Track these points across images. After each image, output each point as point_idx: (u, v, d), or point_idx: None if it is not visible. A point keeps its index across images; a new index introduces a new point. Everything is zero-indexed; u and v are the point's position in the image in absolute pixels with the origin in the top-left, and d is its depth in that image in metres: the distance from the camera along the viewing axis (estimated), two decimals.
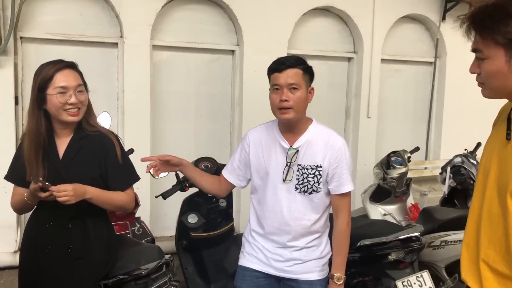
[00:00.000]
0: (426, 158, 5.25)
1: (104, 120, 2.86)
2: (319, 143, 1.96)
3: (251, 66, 4.28)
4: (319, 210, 2.00)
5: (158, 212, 4.22)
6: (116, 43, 3.98)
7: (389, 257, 2.42)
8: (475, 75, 1.35)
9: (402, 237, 2.40)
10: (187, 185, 2.76)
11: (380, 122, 4.96)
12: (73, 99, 1.85)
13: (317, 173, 1.95)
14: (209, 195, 2.86)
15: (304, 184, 1.96)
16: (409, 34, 5.13)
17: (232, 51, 4.39)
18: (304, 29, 4.58)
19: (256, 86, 4.29)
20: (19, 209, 1.98)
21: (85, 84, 1.96)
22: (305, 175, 1.95)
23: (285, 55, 4.37)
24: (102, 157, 1.94)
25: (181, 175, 2.82)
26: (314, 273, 2.00)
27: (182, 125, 4.34)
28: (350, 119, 4.95)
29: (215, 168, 2.87)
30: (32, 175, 1.81)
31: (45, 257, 1.91)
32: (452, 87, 5.26)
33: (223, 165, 2.95)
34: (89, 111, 1.97)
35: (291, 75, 1.89)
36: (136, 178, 2.06)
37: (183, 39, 4.20)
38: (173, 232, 4.31)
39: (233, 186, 2.16)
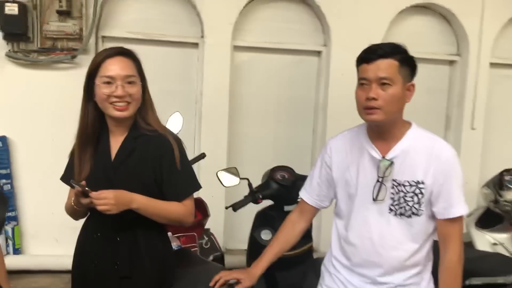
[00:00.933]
0: None
1: (175, 121, 2.65)
2: (421, 153, 1.55)
3: (338, 68, 3.90)
4: (420, 238, 1.58)
5: (233, 223, 3.96)
6: (197, 43, 3.81)
7: None
8: None
9: None
10: (260, 196, 2.45)
11: (486, 134, 4.31)
12: (119, 91, 1.60)
13: (417, 191, 1.54)
14: (285, 209, 2.54)
15: (401, 205, 1.56)
16: None
17: (318, 52, 4.04)
18: (400, 29, 4.11)
19: (343, 91, 3.89)
20: (71, 213, 1.78)
21: (141, 76, 1.70)
22: (402, 194, 1.55)
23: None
24: (157, 161, 1.67)
25: (254, 184, 2.55)
26: None
27: (261, 131, 4.06)
28: (451, 130, 4.35)
29: (293, 179, 2.53)
30: (77, 176, 1.60)
31: (92, 273, 1.69)
32: None
33: (302, 176, 2.63)
34: (145, 107, 1.71)
35: (383, 67, 1.50)
36: (196, 187, 1.76)
37: (266, 39, 3.94)
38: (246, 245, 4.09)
39: (317, 211, 1.81)
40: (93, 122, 1.68)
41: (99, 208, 1.51)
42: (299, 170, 2.69)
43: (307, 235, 2.70)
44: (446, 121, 4.39)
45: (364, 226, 1.61)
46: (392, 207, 1.57)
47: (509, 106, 4.53)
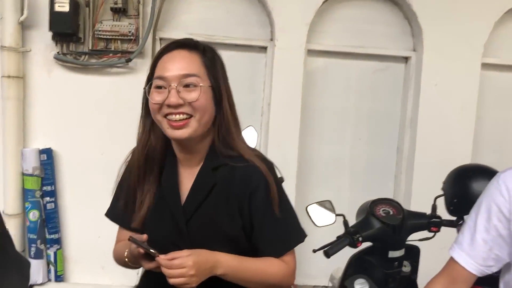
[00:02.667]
0: None
1: (248, 138, 2.14)
2: None
3: (431, 77, 3.29)
4: None
5: (301, 256, 3.38)
6: (265, 47, 3.32)
7: None
8: None
9: None
10: (360, 238, 1.89)
11: None
12: (172, 98, 1.12)
13: None
14: (389, 255, 1.97)
15: None
16: None
17: (406, 58, 3.45)
18: (507, 31, 3.45)
19: (437, 103, 3.31)
20: (121, 265, 1.30)
21: (213, 76, 1.19)
22: None
23: (479, 63, 3.32)
24: (246, 201, 1.17)
25: (350, 222, 2.00)
26: None
27: (336, 148, 3.50)
28: None
29: (400, 217, 1.95)
30: (131, 224, 1.11)
31: None
32: None
33: (412, 213, 2.05)
34: (225, 124, 1.21)
35: None
36: (301, 237, 1.25)
37: (345, 43, 3.39)
38: (317, 281, 3.52)
39: (474, 279, 1.23)
40: (155, 148, 1.21)
41: (172, 281, 1.04)
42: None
43: (412, 287, 2.14)
44: None
45: None
46: None
47: None
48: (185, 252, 1.06)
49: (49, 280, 3.17)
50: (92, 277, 3.23)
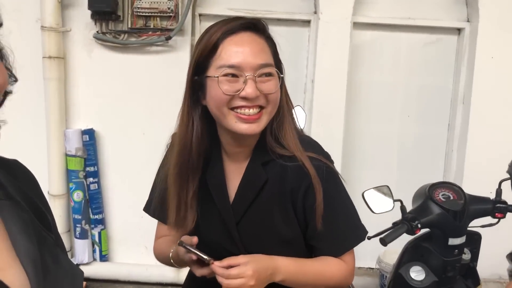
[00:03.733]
0: None
1: (296, 118, 2.04)
2: None
3: (487, 49, 3.07)
4: None
5: None
6: (309, 21, 3.18)
7: None
8: None
9: None
10: (419, 225, 1.77)
11: None
12: (249, 89, 1.02)
13: None
14: (449, 242, 1.85)
15: None
16: None
17: (459, 30, 3.23)
18: None
19: (493, 78, 3.09)
20: (164, 263, 1.24)
21: (278, 66, 1.10)
22: None
23: None
24: (300, 199, 1.08)
25: (408, 208, 1.89)
26: None
27: (383, 127, 3.35)
28: None
29: (461, 202, 1.82)
30: (177, 226, 1.03)
31: None
32: None
33: (475, 198, 1.91)
34: (282, 119, 1.12)
35: None
36: (361, 235, 1.17)
37: (393, 14, 3.19)
38: (364, 263, 3.43)
39: None
40: (200, 140, 1.09)
41: None
42: (430, 177, 2.01)
43: (472, 275, 2.02)
44: None
45: None
46: None
47: None
48: (242, 259, 0.99)
49: (94, 259, 3.21)
50: (136, 256, 3.25)
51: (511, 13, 3.05)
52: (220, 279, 0.98)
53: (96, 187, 3.12)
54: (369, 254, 3.10)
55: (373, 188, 1.74)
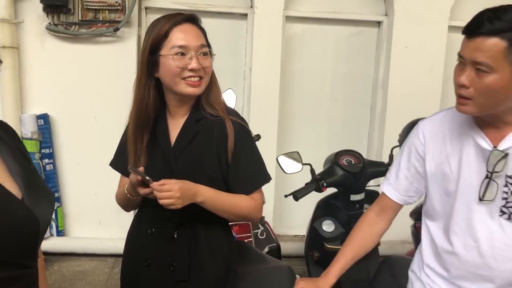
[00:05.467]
0: None
1: (228, 99, 2.39)
2: None
3: (402, 40, 3.51)
4: None
5: (282, 209, 3.71)
6: (245, 14, 3.51)
7: None
8: None
9: None
10: (324, 184, 2.18)
11: None
12: (194, 64, 1.37)
13: None
14: (351, 198, 2.26)
15: None
16: None
17: (379, 23, 3.66)
18: None
19: (407, 65, 3.54)
20: (123, 204, 1.57)
21: (209, 46, 1.46)
22: None
23: (446, 27, 3.53)
24: (223, 149, 1.43)
25: (317, 171, 2.28)
26: None
27: (314, 110, 3.75)
28: None
29: (360, 165, 2.23)
30: (132, 163, 1.37)
31: (143, 274, 1.47)
32: None
33: (371, 162, 2.33)
34: (211, 86, 1.48)
35: (484, 47, 1.16)
36: (267, 178, 1.52)
37: (321, 9, 3.58)
38: (297, 231, 3.83)
39: (400, 208, 1.51)
40: (154, 103, 1.45)
41: (162, 202, 1.29)
42: None
43: None
44: None
45: (468, 232, 1.32)
46: (505, 209, 1.28)
47: None
48: (173, 180, 1.32)
49: (52, 235, 3.44)
50: (91, 231, 3.52)
51: (422, 7, 3.49)
52: (155, 193, 1.30)
53: (52, 168, 3.36)
54: (304, 224, 3.49)
55: (284, 154, 2.13)
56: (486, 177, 1.27)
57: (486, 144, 1.28)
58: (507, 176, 1.26)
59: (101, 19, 3.22)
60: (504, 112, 1.25)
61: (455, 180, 1.33)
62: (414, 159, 1.42)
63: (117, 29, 3.19)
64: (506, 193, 1.26)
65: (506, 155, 1.25)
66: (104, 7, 3.20)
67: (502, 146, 1.26)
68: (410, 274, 1.52)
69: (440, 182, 1.37)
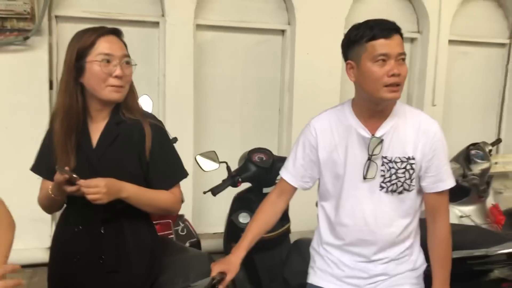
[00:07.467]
0: (497, 152, 4.67)
1: (144, 105, 2.51)
2: (409, 128, 1.58)
3: (303, 47, 3.86)
4: (410, 213, 1.62)
5: (201, 207, 3.88)
6: (157, 22, 3.64)
7: (491, 274, 1.97)
8: None
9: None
10: (239, 179, 2.39)
11: (446, 111, 4.43)
12: (118, 71, 1.50)
13: (408, 167, 1.56)
14: (263, 191, 2.50)
15: (392, 182, 1.57)
16: (480, 12, 4.55)
17: (282, 31, 3.98)
18: (363, 6, 4.10)
19: (309, 70, 3.88)
20: (46, 206, 1.65)
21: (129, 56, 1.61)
22: (393, 170, 1.57)
23: (342, 35, 3.89)
24: (142, 149, 1.58)
25: (233, 168, 2.49)
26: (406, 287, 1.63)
27: (227, 113, 3.98)
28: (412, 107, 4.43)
29: (270, 160, 2.48)
30: (63, 164, 1.47)
31: (73, 269, 1.57)
32: None
33: (280, 158, 2.58)
34: (131, 92, 1.61)
35: (399, 42, 1.51)
36: (184, 174, 1.69)
37: (229, 18, 3.82)
38: (216, 229, 4.01)
39: (295, 191, 1.76)
40: (82, 107, 1.55)
41: (89, 197, 1.41)
42: None
43: (284, 217, 2.67)
44: (408, 98, 4.47)
45: (355, 206, 1.61)
46: (384, 184, 1.58)
47: (467, 83, 4.68)
48: (100, 178, 1.45)
49: None
50: None
51: (320, 17, 3.85)
52: (83, 189, 1.41)
53: None
54: (222, 220, 3.68)
55: (201, 153, 2.32)
56: (368, 159, 1.56)
57: (365, 133, 1.58)
58: (383, 157, 1.56)
59: (9, 27, 3.18)
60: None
61: (343, 164, 1.60)
62: (308, 150, 1.68)
63: (27, 38, 3.17)
64: (383, 171, 1.57)
65: (381, 140, 1.55)
66: (12, 15, 3.16)
67: (378, 133, 1.57)
68: (311, 250, 1.78)
69: (331, 167, 1.64)
